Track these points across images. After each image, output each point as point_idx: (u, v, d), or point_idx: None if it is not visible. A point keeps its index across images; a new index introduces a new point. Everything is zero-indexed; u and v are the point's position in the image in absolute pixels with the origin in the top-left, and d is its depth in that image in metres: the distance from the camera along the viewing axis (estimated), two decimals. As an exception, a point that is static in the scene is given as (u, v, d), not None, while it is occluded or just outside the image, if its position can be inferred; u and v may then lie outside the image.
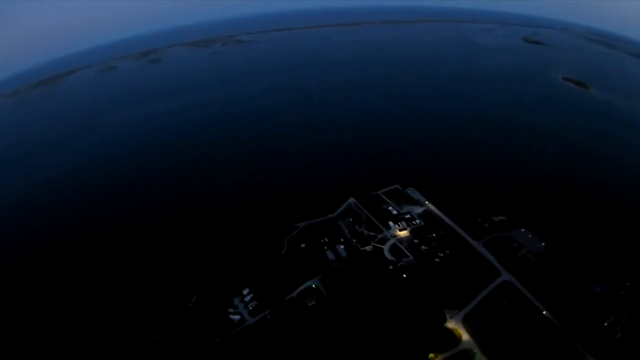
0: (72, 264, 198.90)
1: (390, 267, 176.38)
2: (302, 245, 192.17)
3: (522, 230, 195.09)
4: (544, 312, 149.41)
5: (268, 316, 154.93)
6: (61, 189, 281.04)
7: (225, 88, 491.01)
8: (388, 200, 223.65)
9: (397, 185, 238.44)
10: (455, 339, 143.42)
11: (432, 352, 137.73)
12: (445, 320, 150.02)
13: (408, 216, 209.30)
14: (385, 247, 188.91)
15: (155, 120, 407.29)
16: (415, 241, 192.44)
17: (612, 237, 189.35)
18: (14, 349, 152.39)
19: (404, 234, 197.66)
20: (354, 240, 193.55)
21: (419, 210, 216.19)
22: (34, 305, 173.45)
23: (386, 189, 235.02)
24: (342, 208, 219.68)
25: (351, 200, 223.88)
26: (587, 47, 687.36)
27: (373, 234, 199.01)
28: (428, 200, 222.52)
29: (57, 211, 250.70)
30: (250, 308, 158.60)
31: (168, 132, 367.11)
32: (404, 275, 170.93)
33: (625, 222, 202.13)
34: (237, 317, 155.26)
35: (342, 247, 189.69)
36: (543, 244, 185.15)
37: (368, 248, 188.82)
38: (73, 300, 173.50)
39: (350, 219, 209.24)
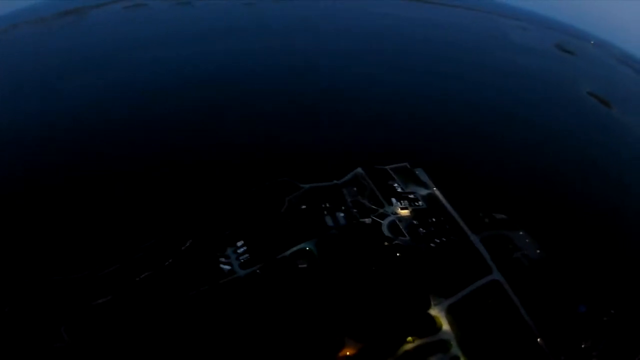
0: (72, 198, 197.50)
1: (386, 244, 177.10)
2: (303, 207, 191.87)
3: (521, 232, 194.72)
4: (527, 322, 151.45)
5: (258, 271, 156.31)
6: (71, 122, 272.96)
7: (254, 41, 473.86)
8: (395, 177, 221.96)
9: (407, 164, 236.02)
10: (435, 326, 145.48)
11: (411, 336, 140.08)
12: (429, 307, 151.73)
13: (412, 196, 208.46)
14: (384, 223, 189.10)
15: (177, 63, 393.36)
16: (415, 222, 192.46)
17: (609, 260, 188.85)
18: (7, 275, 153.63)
19: (404, 213, 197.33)
20: (355, 210, 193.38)
21: (423, 192, 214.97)
22: (30, 235, 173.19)
23: (395, 166, 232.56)
24: (348, 176, 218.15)
25: (358, 170, 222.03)
26: (617, 69, 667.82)
27: (374, 207, 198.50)
28: (434, 184, 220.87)
29: (64, 145, 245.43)
30: (242, 260, 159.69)
31: (187, 77, 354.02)
32: (398, 254, 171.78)
33: (626, 247, 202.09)
34: (227, 267, 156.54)
35: (342, 215, 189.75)
36: (538, 250, 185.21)
37: (367, 220, 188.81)
38: (68, 233, 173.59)
39: (355, 189, 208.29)
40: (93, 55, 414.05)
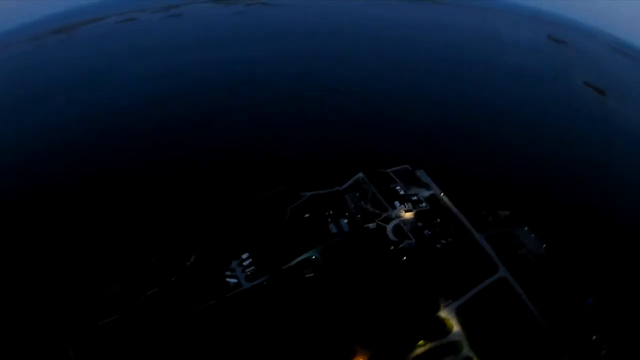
0: (71, 213, 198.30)
1: (392, 248, 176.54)
2: (306, 215, 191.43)
3: (526, 229, 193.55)
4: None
5: (264, 283, 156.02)
6: (69, 135, 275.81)
7: (245, 48, 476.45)
8: (397, 180, 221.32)
9: (407, 166, 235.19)
10: (445, 329, 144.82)
11: (422, 339, 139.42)
12: (438, 309, 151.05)
13: (415, 198, 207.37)
14: (389, 227, 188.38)
15: (171, 73, 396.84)
16: (419, 224, 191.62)
17: (613, 251, 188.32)
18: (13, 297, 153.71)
19: (408, 215, 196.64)
20: (358, 216, 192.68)
21: (426, 193, 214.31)
22: (32, 253, 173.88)
23: (396, 168, 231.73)
24: (350, 182, 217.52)
25: (360, 175, 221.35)
26: (611, 56, 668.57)
27: (378, 211, 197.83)
28: (437, 185, 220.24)
29: (62, 158, 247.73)
30: (248, 273, 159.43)
31: (182, 86, 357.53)
32: (404, 258, 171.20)
33: (629, 239, 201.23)
34: (233, 280, 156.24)
35: (345, 221, 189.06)
36: (544, 246, 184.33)
37: (371, 225, 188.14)
38: (71, 250, 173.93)
39: (357, 194, 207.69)
40: (88, 68, 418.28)
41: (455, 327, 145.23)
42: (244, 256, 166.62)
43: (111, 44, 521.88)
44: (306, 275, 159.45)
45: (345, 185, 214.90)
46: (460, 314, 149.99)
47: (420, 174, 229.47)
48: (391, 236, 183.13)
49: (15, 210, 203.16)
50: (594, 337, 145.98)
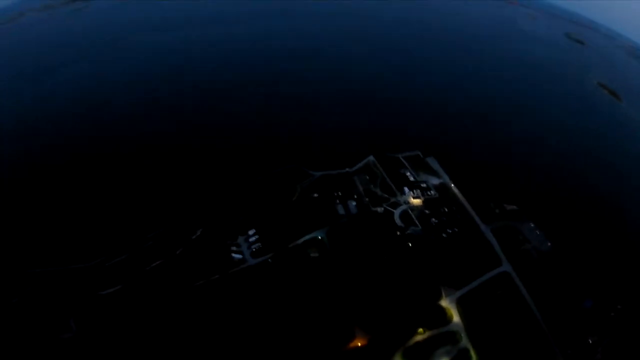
0: (79, 185, 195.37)
1: (398, 233, 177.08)
2: (315, 195, 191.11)
3: (531, 224, 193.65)
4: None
5: (269, 260, 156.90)
6: (78, 107, 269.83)
7: (250, 25, 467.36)
8: (407, 165, 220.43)
9: (418, 152, 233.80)
10: (446, 318, 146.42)
11: (422, 327, 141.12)
12: (440, 298, 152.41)
13: (424, 185, 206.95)
14: (396, 212, 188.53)
15: (182, 47, 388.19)
16: (427, 212, 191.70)
17: (618, 254, 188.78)
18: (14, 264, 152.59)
19: (416, 202, 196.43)
20: (367, 199, 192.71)
21: (435, 181, 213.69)
22: (37, 220, 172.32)
23: (407, 154, 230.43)
24: (360, 164, 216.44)
25: (370, 158, 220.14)
26: (627, 61, 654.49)
27: (386, 196, 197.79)
28: (446, 173, 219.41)
29: (68, 128, 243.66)
30: (254, 249, 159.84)
31: (193, 60, 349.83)
32: (410, 244, 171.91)
33: (634, 242, 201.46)
34: (238, 256, 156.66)
35: (353, 203, 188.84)
36: (549, 243, 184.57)
37: (379, 209, 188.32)
38: (76, 219, 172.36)
39: (367, 177, 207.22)
40: (100, 39, 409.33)
41: (455, 318, 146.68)
42: (251, 232, 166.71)
43: (122, 17, 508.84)
44: (311, 255, 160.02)
45: (356, 168, 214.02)
46: (460, 305, 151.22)
47: (431, 161, 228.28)
48: (398, 222, 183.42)
49: (21, 179, 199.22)
50: (590, 340, 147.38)
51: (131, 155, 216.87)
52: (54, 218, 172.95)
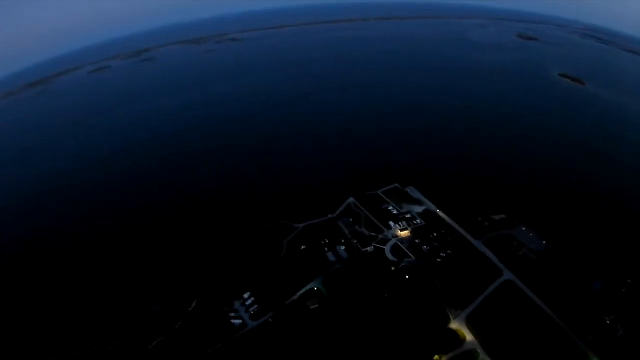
0: (67, 267, 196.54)
1: (392, 268, 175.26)
2: (303, 247, 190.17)
3: (523, 228, 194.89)
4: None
5: (270, 320, 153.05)
6: (56, 188, 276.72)
7: (220, 86, 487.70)
8: (388, 200, 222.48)
9: (397, 184, 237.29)
10: (459, 339, 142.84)
11: (437, 354, 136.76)
12: (449, 321, 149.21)
13: (409, 216, 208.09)
14: (387, 248, 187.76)
15: (150, 118, 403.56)
16: (417, 241, 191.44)
17: (612, 234, 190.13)
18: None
19: (405, 234, 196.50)
20: (355, 241, 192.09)
21: (419, 209, 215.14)
22: (29, 311, 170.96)
23: (386, 188, 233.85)
24: (341, 208, 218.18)
25: (350, 200, 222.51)
26: (583, 44, 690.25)
27: (374, 234, 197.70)
28: (428, 199, 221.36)
29: (51, 212, 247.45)
30: (252, 312, 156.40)
31: (163, 131, 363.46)
32: (407, 277, 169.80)
33: (624, 219, 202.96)
34: (238, 321, 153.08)
35: (342, 248, 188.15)
36: (544, 242, 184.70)
37: (369, 249, 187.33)
38: (68, 306, 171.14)
39: (350, 219, 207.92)
40: (63, 121, 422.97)
41: (468, 337, 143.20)
42: (246, 295, 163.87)
43: (87, 95, 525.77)
44: (311, 307, 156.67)
45: (338, 212, 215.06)
46: (471, 323, 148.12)
47: (411, 190, 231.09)
48: (390, 257, 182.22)
49: (12, 266, 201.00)
50: (608, 319, 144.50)
51: (108, 233, 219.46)
52: (49, 306, 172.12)
